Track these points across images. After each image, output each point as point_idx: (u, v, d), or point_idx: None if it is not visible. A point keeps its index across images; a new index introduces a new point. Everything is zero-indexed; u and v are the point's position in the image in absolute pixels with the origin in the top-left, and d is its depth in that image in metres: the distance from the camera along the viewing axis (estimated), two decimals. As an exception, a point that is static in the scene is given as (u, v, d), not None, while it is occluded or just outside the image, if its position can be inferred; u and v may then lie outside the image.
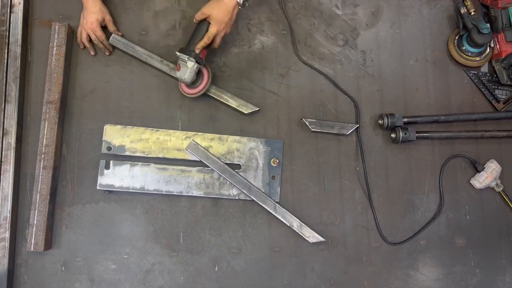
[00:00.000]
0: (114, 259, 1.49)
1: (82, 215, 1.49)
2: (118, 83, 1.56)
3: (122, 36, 1.54)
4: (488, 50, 1.65)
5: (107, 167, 1.48)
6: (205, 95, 1.53)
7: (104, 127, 1.49)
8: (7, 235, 1.42)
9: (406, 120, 1.59)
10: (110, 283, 1.48)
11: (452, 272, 1.59)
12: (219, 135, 1.54)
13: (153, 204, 1.52)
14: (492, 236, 1.61)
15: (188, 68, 1.41)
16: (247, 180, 1.51)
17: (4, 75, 1.47)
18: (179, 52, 1.41)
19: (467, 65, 1.66)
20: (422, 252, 1.58)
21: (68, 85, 1.54)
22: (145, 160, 1.51)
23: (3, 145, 1.45)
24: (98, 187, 1.48)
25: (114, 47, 1.55)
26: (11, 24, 1.49)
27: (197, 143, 1.51)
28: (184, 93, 1.51)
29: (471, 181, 1.62)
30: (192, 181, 1.51)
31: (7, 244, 1.42)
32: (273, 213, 1.50)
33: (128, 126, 1.51)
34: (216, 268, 1.51)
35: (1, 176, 1.44)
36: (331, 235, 1.56)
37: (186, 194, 1.51)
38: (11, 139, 1.46)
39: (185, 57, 1.40)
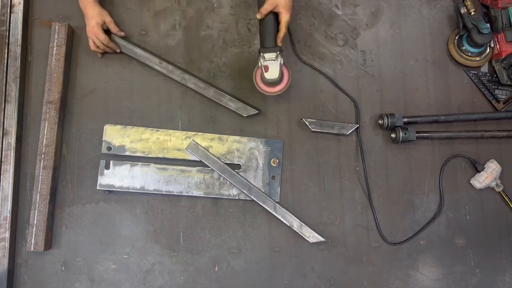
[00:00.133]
0: (114, 259, 1.49)
1: (82, 215, 1.49)
2: (118, 83, 1.56)
3: (124, 36, 1.54)
4: (488, 50, 1.65)
5: (107, 167, 1.48)
6: (204, 97, 1.53)
7: (104, 127, 1.50)
8: (7, 235, 1.42)
9: (406, 120, 1.59)
10: (110, 283, 1.48)
11: (452, 272, 1.59)
12: (219, 135, 1.54)
13: (153, 204, 1.52)
14: (492, 236, 1.61)
15: (278, 65, 1.35)
16: (247, 180, 1.51)
17: (4, 75, 1.47)
18: (263, 52, 1.36)
19: (467, 65, 1.66)
20: (422, 252, 1.58)
21: (68, 85, 1.54)
22: (145, 160, 1.51)
23: (3, 145, 1.45)
24: (98, 187, 1.48)
25: (121, 51, 1.55)
26: (11, 24, 1.49)
27: (197, 143, 1.51)
28: (265, 92, 1.44)
29: (471, 181, 1.62)
30: (192, 181, 1.51)
31: (7, 244, 1.42)
32: (273, 213, 1.50)
33: (128, 126, 1.51)
34: (216, 268, 1.51)
35: (1, 176, 1.44)
36: (331, 235, 1.56)
37: (186, 194, 1.51)
38: (11, 139, 1.46)
39: (273, 55, 1.34)
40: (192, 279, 1.50)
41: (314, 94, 1.62)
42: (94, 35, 1.47)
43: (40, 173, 1.43)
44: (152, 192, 1.49)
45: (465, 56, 1.64)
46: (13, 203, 1.44)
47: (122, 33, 1.54)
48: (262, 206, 1.50)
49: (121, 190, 1.49)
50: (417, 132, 1.57)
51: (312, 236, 1.51)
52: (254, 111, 1.53)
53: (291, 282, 1.53)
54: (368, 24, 1.69)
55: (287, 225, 1.51)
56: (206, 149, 1.51)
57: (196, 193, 1.51)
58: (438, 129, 1.63)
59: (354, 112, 1.62)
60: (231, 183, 1.50)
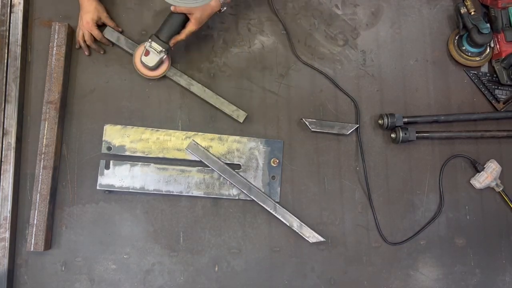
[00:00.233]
0: (114, 259, 1.49)
1: (82, 215, 1.49)
2: (118, 83, 1.56)
3: (122, 32, 1.55)
4: (488, 50, 1.65)
5: (107, 167, 1.48)
6: (202, 100, 1.53)
7: (104, 127, 1.49)
8: (7, 235, 1.42)
9: (406, 120, 1.59)
10: (110, 283, 1.48)
11: (452, 272, 1.59)
12: (219, 135, 1.54)
13: (153, 204, 1.52)
14: (492, 236, 1.61)
15: (157, 57, 1.43)
16: (247, 180, 1.51)
17: (4, 75, 1.47)
18: (152, 40, 1.41)
19: (467, 65, 1.66)
20: (422, 252, 1.58)
21: (68, 85, 1.54)
22: (145, 160, 1.51)
23: (3, 145, 1.45)
24: (98, 187, 1.48)
25: (113, 44, 1.55)
26: (11, 24, 1.49)
27: (197, 143, 1.51)
28: (139, 72, 1.50)
29: (471, 181, 1.62)
30: (192, 181, 1.51)
31: (7, 244, 1.42)
32: (273, 213, 1.50)
33: (128, 126, 1.51)
34: (216, 268, 1.51)
35: (1, 176, 1.44)
36: (331, 235, 1.56)
37: (186, 194, 1.51)
38: (11, 139, 1.46)
39: (159, 48, 1.41)
40: (192, 279, 1.50)
41: (314, 94, 1.62)
42: (88, 30, 1.47)
43: (40, 173, 1.43)
44: (152, 192, 1.49)
45: (465, 56, 1.64)
46: (13, 203, 1.44)
47: (119, 28, 1.55)
48: (262, 206, 1.50)
49: (121, 190, 1.49)
50: (417, 132, 1.57)
51: (312, 236, 1.51)
52: (244, 114, 1.53)
53: (291, 282, 1.53)
54: (368, 24, 1.69)
55: (287, 225, 1.51)
56: (206, 149, 1.51)
57: (196, 193, 1.51)
58: (438, 129, 1.63)
59: (354, 112, 1.62)
60: (231, 183, 1.50)
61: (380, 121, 1.60)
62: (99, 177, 1.48)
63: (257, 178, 1.53)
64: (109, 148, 1.49)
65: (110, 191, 1.50)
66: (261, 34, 1.63)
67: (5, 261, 1.41)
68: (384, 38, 1.68)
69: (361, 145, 1.60)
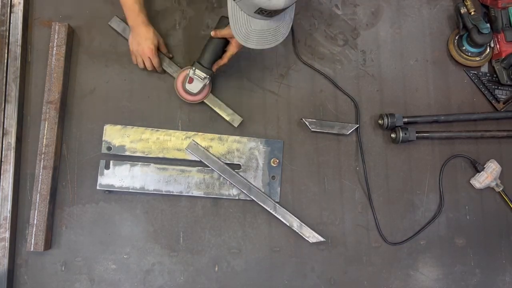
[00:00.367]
0: (114, 259, 1.49)
1: (82, 215, 1.49)
2: (118, 83, 1.56)
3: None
4: (488, 50, 1.65)
5: (107, 167, 1.48)
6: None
7: (104, 127, 1.49)
8: (7, 235, 1.42)
9: (406, 120, 1.59)
10: (110, 283, 1.48)
11: (452, 272, 1.59)
12: (219, 135, 1.54)
13: (153, 204, 1.52)
14: (492, 236, 1.61)
15: (201, 84, 1.44)
16: (247, 180, 1.51)
17: (4, 75, 1.47)
18: (196, 67, 1.41)
19: (467, 65, 1.66)
20: (422, 252, 1.58)
21: (68, 85, 1.54)
22: (145, 160, 1.51)
23: (3, 145, 1.45)
24: (98, 187, 1.48)
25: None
26: (11, 24, 1.49)
27: (197, 143, 1.51)
28: (181, 97, 1.50)
29: (471, 181, 1.62)
30: (192, 181, 1.51)
31: (7, 244, 1.42)
32: (273, 213, 1.50)
33: (128, 126, 1.51)
34: (216, 268, 1.51)
35: (1, 176, 1.44)
36: (331, 235, 1.56)
37: (186, 194, 1.51)
38: (11, 139, 1.46)
39: (203, 75, 1.42)
40: (192, 279, 1.50)
41: (314, 94, 1.62)
42: (151, 57, 1.45)
43: (40, 173, 1.43)
44: (152, 192, 1.49)
45: (465, 56, 1.64)
46: (13, 203, 1.44)
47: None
48: (262, 206, 1.50)
49: (121, 190, 1.49)
50: (417, 132, 1.57)
51: (312, 236, 1.51)
52: (240, 119, 1.54)
53: (291, 282, 1.53)
54: (368, 24, 1.69)
55: (287, 225, 1.51)
56: (206, 149, 1.51)
57: (196, 193, 1.51)
58: (438, 129, 1.63)
59: (354, 112, 1.62)
60: (231, 183, 1.50)
61: (380, 121, 1.60)
62: (99, 177, 1.48)
63: (257, 178, 1.53)
64: (109, 148, 1.49)
65: (110, 191, 1.50)
66: (261, 34, 1.63)
67: (5, 261, 1.41)
68: (384, 38, 1.68)
69: (361, 145, 1.60)
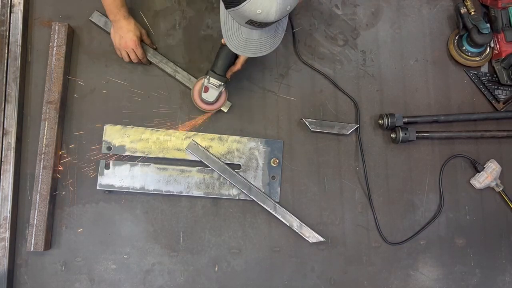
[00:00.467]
0: (114, 259, 1.49)
1: (82, 215, 1.49)
2: (118, 83, 1.56)
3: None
4: (488, 50, 1.65)
5: (107, 167, 1.48)
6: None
7: (104, 127, 1.49)
8: (7, 235, 1.42)
9: (406, 120, 1.59)
10: (110, 283, 1.48)
11: (452, 272, 1.59)
12: (219, 135, 1.54)
13: (153, 204, 1.52)
14: (492, 236, 1.61)
15: (217, 92, 1.43)
16: (247, 180, 1.51)
17: (4, 75, 1.47)
18: (210, 76, 1.41)
19: (467, 65, 1.66)
20: (422, 252, 1.58)
21: (68, 85, 1.54)
22: (145, 160, 1.51)
23: (3, 145, 1.45)
24: (98, 187, 1.48)
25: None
26: (11, 24, 1.49)
27: (197, 143, 1.51)
28: (199, 107, 1.51)
29: (471, 181, 1.62)
30: (192, 181, 1.51)
31: (7, 244, 1.42)
32: (273, 213, 1.50)
33: (128, 126, 1.50)
34: (216, 268, 1.51)
35: (1, 176, 1.44)
36: (331, 235, 1.56)
37: (186, 194, 1.51)
38: (11, 139, 1.45)
39: (217, 83, 1.42)
40: (192, 279, 1.50)
41: (314, 94, 1.62)
42: (134, 49, 1.45)
43: (40, 173, 1.43)
44: (152, 192, 1.49)
45: (465, 56, 1.64)
46: (13, 203, 1.44)
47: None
48: (262, 206, 1.50)
49: (121, 190, 1.49)
50: (417, 132, 1.57)
51: (312, 236, 1.51)
52: (229, 104, 1.54)
53: (291, 282, 1.53)
54: (368, 24, 1.69)
55: (287, 225, 1.51)
56: (206, 149, 1.51)
57: (196, 193, 1.51)
58: (438, 129, 1.63)
59: (354, 112, 1.62)
60: (231, 183, 1.50)
61: (380, 121, 1.60)
62: (99, 177, 1.48)
63: (257, 178, 1.53)
64: (109, 148, 1.49)
65: (110, 191, 1.50)
66: (261, 34, 1.63)
67: (5, 261, 1.41)
68: (384, 38, 1.68)
69: (361, 145, 1.60)
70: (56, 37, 1.47)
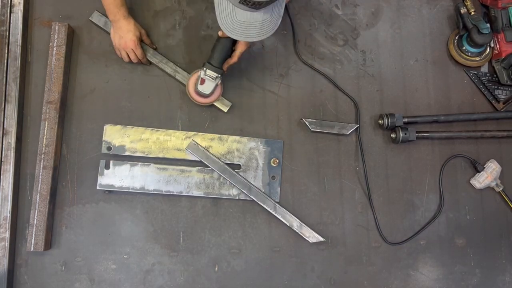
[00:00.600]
0: (114, 259, 1.49)
1: (82, 215, 1.49)
2: (118, 83, 1.56)
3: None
4: (488, 50, 1.65)
5: (107, 167, 1.48)
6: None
7: (104, 127, 1.49)
8: (7, 235, 1.42)
9: (406, 120, 1.59)
10: (110, 283, 1.48)
11: (452, 272, 1.59)
12: (219, 135, 1.54)
13: (153, 204, 1.52)
14: (492, 236, 1.61)
15: (213, 84, 1.43)
16: (247, 180, 1.51)
17: (4, 75, 1.47)
18: (206, 68, 1.41)
19: (467, 65, 1.66)
20: (422, 252, 1.58)
21: (68, 85, 1.54)
22: (145, 160, 1.51)
23: (3, 145, 1.45)
24: (98, 187, 1.48)
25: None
26: (11, 24, 1.49)
27: (197, 143, 1.51)
28: (194, 100, 1.50)
29: (471, 181, 1.62)
30: (192, 181, 1.51)
31: (7, 244, 1.42)
32: (273, 213, 1.50)
33: (128, 126, 1.51)
34: (216, 268, 1.51)
35: (1, 176, 1.44)
36: (331, 235, 1.56)
37: (186, 194, 1.51)
38: (11, 139, 1.46)
39: (214, 75, 1.41)
40: (192, 279, 1.50)
41: (314, 94, 1.62)
42: (134, 49, 1.45)
43: (40, 173, 1.43)
44: (152, 192, 1.49)
45: (465, 56, 1.64)
46: (13, 203, 1.44)
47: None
48: (262, 206, 1.50)
49: (121, 190, 1.49)
50: (417, 132, 1.57)
51: (312, 236, 1.51)
52: (229, 103, 1.54)
53: (291, 282, 1.53)
54: (368, 24, 1.69)
55: (287, 225, 1.51)
56: (206, 149, 1.51)
57: (196, 193, 1.51)
58: (438, 129, 1.63)
59: (354, 112, 1.62)
60: (231, 183, 1.50)
61: (380, 121, 1.60)
62: (99, 177, 1.48)
63: (257, 178, 1.53)
64: (109, 148, 1.49)
65: (110, 191, 1.50)
66: (261, 34, 1.63)
67: (5, 261, 1.41)
68: (384, 38, 1.68)
69: (361, 145, 1.60)
70: (56, 37, 1.47)
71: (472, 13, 1.59)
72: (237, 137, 1.54)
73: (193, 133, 1.53)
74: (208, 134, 1.53)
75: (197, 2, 1.62)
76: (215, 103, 1.53)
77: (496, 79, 1.66)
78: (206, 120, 1.56)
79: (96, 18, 1.53)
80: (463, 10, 1.60)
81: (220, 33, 1.40)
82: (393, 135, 1.58)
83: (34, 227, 1.41)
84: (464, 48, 1.63)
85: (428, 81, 1.67)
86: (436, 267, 1.58)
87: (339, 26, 1.67)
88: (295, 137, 1.59)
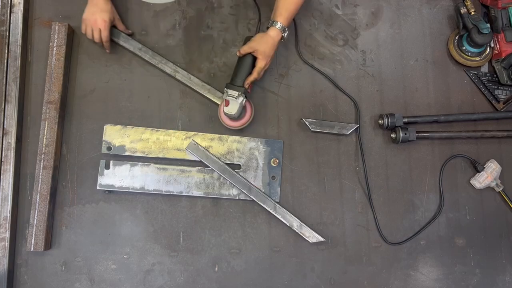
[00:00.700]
0: (114, 259, 1.49)
1: (82, 215, 1.49)
2: (118, 83, 1.56)
3: (131, 35, 1.55)
4: (488, 50, 1.65)
5: (107, 167, 1.48)
6: (204, 97, 1.53)
7: (104, 127, 1.50)
8: (7, 235, 1.42)
9: (406, 120, 1.59)
10: (110, 283, 1.48)
11: (452, 272, 1.59)
12: (219, 135, 1.54)
13: (153, 204, 1.52)
14: (492, 236, 1.61)
15: (238, 103, 1.42)
16: (247, 180, 1.51)
17: (4, 75, 1.47)
18: (228, 88, 1.42)
19: (467, 65, 1.66)
20: (422, 252, 1.58)
21: (68, 85, 1.54)
22: (145, 160, 1.51)
23: (3, 145, 1.45)
24: (98, 187, 1.48)
25: (114, 43, 1.54)
26: (11, 24, 1.49)
27: (197, 143, 1.51)
28: (226, 125, 1.51)
29: (471, 181, 1.62)
30: (192, 181, 1.51)
31: (7, 244, 1.42)
32: (273, 213, 1.50)
33: (128, 126, 1.51)
34: (216, 268, 1.52)
35: (1, 176, 1.44)
36: (331, 235, 1.56)
37: (186, 194, 1.51)
38: (11, 139, 1.46)
39: (235, 93, 1.41)
40: (192, 279, 1.50)
41: (314, 94, 1.62)
42: (103, 29, 1.44)
43: (40, 173, 1.43)
44: (152, 192, 1.49)
45: (465, 56, 1.64)
46: (13, 203, 1.44)
47: (129, 31, 1.55)
48: (262, 206, 1.50)
49: (121, 190, 1.49)
50: (417, 132, 1.57)
51: (312, 236, 1.51)
52: None
53: (291, 282, 1.53)
54: (368, 24, 1.69)
55: (287, 225, 1.51)
56: (206, 149, 1.51)
57: (196, 193, 1.51)
58: (438, 129, 1.63)
59: (354, 112, 1.62)
60: (231, 183, 1.50)
61: (380, 121, 1.60)
62: (99, 177, 1.48)
63: (257, 178, 1.53)
64: (109, 148, 1.49)
65: (110, 191, 1.50)
66: (261, 34, 1.63)
67: (5, 261, 1.41)
68: (384, 38, 1.68)
69: (361, 145, 1.60)
70: (56, 37, 1.47)
71: (472, 13, 1.59)
72: (237, 137, 1.55)
73: (193, 133, 1.53)
74: (208, 134, 1.53)
75: (197, 2, 1.62)
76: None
77: (496, 79, 1.66)
78: (206, 120, 1.57)
79: (122, 42, 1.53)
80: (463, 10, 1.60)
81: (237, 53, 1.42)
82: (393, 135, 1.58)
83: (34, 227, 1.41)
84: (464, 48, 1.63)
85: (428, 81, 1.67)
86: (436, 267, 1.58)
87: (339, 26, 1.67)
88: (295, 137, 1.59)
